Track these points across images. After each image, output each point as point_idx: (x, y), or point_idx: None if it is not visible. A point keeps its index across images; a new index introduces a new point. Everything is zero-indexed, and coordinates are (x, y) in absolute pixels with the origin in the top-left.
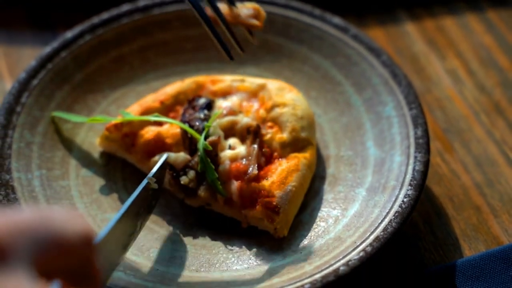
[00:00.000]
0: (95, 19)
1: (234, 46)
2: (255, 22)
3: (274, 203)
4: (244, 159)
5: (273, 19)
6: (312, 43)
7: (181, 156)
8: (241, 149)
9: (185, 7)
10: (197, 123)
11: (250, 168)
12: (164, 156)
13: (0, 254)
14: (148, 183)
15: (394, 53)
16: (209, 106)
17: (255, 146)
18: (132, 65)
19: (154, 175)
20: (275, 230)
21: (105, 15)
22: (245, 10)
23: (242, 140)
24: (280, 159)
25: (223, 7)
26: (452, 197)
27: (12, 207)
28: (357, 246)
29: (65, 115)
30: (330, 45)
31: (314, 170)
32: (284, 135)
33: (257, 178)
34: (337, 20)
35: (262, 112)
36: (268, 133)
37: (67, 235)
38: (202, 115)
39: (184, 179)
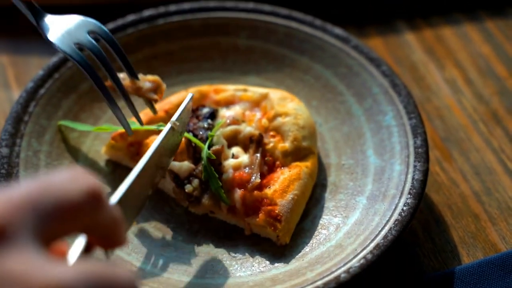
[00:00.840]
0: None
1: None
2: (154, 96)
3: (276, 211)
4: (247, 168)
5: (275, 29)
6: (313, 53)
7: (185, 165)
8: (244, 158)
9: (189, 17)
10: (201, 132)
11: (253, 177)
12: (189, 96)
13: (1, 232)
14: (171, 128)
15: (393, 62)
16: (213, 115)
17: (258, 155)
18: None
19: (177, 118)
20: (278, 238)
21: (110, 25)
22: (146, 83)
23: (245, 149)
24: (282, 168)
25: (124, 77)
26: (451, 205)
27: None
28: (358, 254)
29: (72, 124)
30: (331, 56)
31: (316, 178)
32: (286, 144)
33: (260, 187)
34: (338, 30)
35: (264, 121)
36: (271, 142)
37: (71, 196)
38: (205, 125)
39: (188, 188)
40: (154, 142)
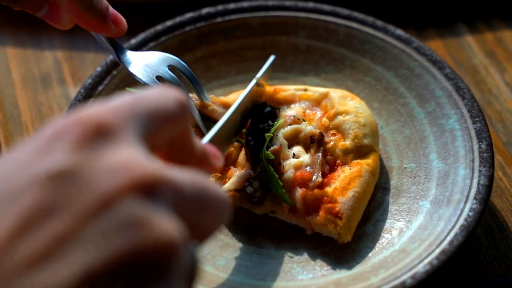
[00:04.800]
0: (159, 27)
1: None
2: None
3: (337, 209)
4: (309, 167)
5: (335, 29)
6: (374, 54)
7: (239, 175)
8: (305, 157)
9: (248, 15)
10: (260, 135)
11: (314, 176)
12: (271, 58)
13: (107, 129)
14: (256, 83)
15: (453, 65)
16: (274, 115)
17: (319, 154)
18: (195, 73)
19: (262, 75)
20: (339, 236)
21: (168, 23)
22: (219, 107)
23: (306, 149)
24: (343, 166)
25: (195, 97)
26: None
27: None
28: (423, 259)
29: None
30: (393, 57)
31: (378, 177)
32: (347, 142)
33: (321, 186)
34: (399, 32)
35: (325, 120)
36: (331, 140)
37: (164, 104)
38: (266, 126)
39: (249, 189)
40: (241, 95)
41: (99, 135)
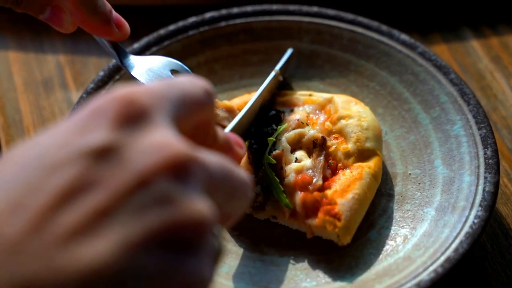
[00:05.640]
0: (162, 31)
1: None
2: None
3: (336, 210)
4: (310, 171)
5: (340, 34)
6: (379, 59)
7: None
8: (307, 162)
9: (251, 20)
10: (263, 139)
11: (315, 179)
12: (289, 51)
13: (143, 109)
14: (275, 75)
15: (459, 70)
16: (278, 118)
17: (321, 158)
18: None
19: (280, 68)
20: (338, 238)
21: (172, 27)
22: (222, 111)
23: (309, 153)
24: (344, 170)
25: None
26: None
27: None
28: (428, 267)
29: None
30: (398, 62)
31: (380, 181)
32: (349, 146)
33: (321, 189)
34: (404, 36)
35: (328, 124)
36: (333, 144)
37: (193, 91)
38: (270, 130)
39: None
40: (261, 87)
41: (136, 114)
